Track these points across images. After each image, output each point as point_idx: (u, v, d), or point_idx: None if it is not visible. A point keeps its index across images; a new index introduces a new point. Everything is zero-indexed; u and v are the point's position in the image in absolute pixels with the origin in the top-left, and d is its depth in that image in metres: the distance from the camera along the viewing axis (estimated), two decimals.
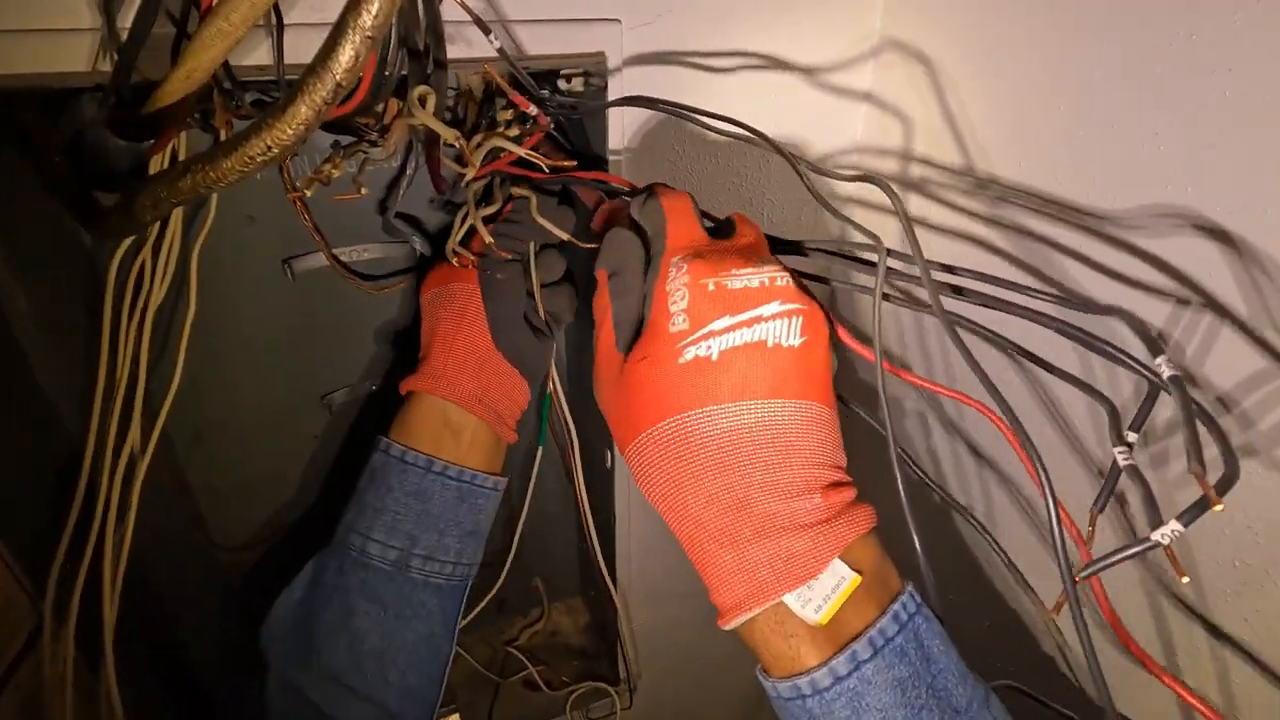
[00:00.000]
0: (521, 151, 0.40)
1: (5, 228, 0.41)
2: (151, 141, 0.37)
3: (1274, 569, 0.33)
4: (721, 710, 0.92)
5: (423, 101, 0.34)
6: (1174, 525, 0.24)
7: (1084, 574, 0.27)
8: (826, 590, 0.29)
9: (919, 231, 0.51)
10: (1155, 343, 0.27)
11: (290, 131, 0.26)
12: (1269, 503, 0.33)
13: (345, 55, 0.25)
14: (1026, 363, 0.35)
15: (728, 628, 0.31)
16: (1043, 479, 0.27)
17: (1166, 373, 0.26)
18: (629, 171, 0.50)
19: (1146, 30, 0.34)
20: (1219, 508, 0.23)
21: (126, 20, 0.34)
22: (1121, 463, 0.29)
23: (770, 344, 0.30)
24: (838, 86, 0.53)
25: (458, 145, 0.37)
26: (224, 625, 0.65)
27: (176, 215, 0.46)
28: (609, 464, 0.63)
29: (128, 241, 0.45)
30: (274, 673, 0.42)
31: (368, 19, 0.25)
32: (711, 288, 0.31)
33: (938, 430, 0.55)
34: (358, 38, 0.25)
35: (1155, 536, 0.25)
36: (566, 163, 0.42)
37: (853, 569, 0.29)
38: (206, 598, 0.63)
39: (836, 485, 0.31)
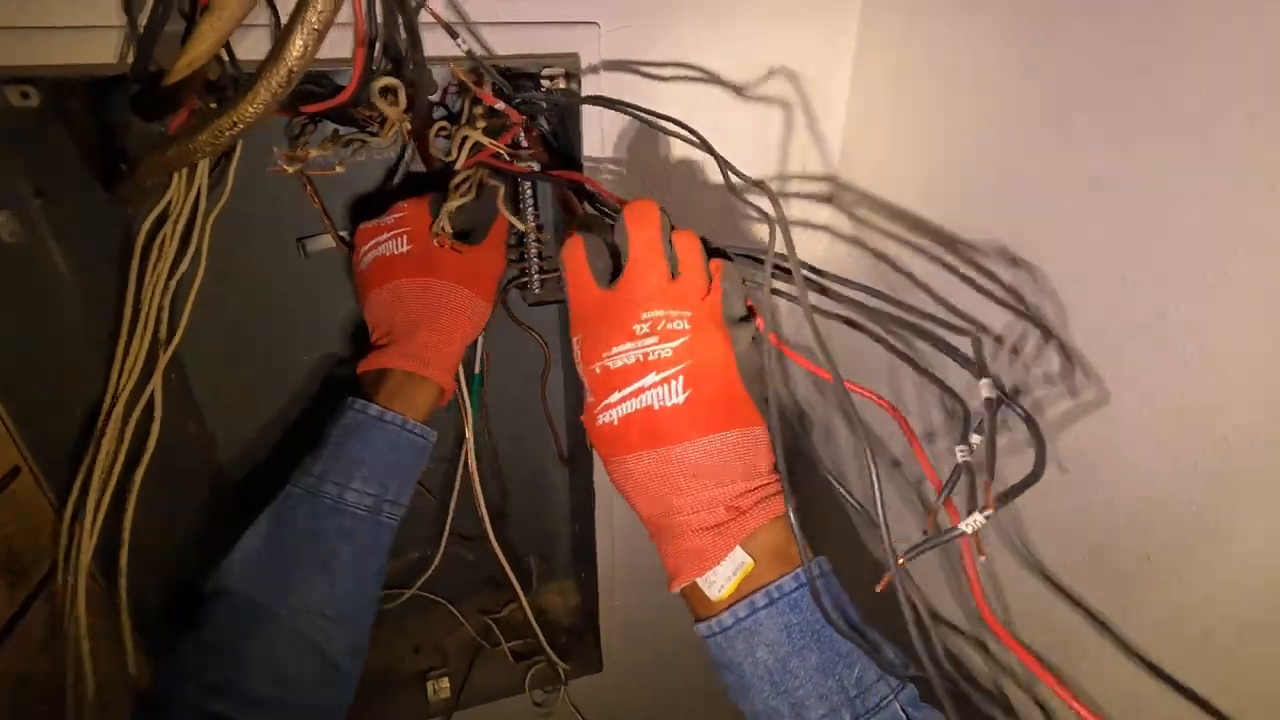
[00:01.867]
0: (488, 142, 0.44)
1: (52, 197, 0.47)
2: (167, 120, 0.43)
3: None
4: (701, 694, 0.93)
5: (387, 93, 0.38)
6: (976, 517, 0.29)
7: (906, 557, 0.32)
8: (728, 574, 0.37)
9: (846, 248, 0.54)
10: (984, 368, 0.32)
11: (251, 110, 0.31)
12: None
13: (296, 46, 0.30)
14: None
15: (672, 591, 0.40)
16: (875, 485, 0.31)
17: (984, 394, 0.31)
18: (607, 172, 0.54)
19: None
20: (989, 511, 0.29)
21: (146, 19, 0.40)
22: (960, 459, 0.32)
23: (656, 407, 0.36)
24: (807, 102, 0.56)
25: (401, 127, 0.41)
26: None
27: (202, 189, 0.53)
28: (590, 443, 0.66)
29: (155, 212, 0.52)
30: (239, 602, 0.46)
31: (314, 16, 0.29)
32: (598, 371, 0.37)
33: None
34: (306, 31, 0.30)
35: (961, 526, 0.30)
36: (527, 151, 0.45)
37: (752, 552, 0.37)
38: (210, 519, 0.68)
39: (746, 493, 0.37)
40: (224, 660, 0.44)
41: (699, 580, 0.37)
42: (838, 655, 0.35)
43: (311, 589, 0.47)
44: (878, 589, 0.32)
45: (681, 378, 0.36)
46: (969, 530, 0.29)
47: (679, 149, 0.55)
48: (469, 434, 0.65)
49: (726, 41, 0.52)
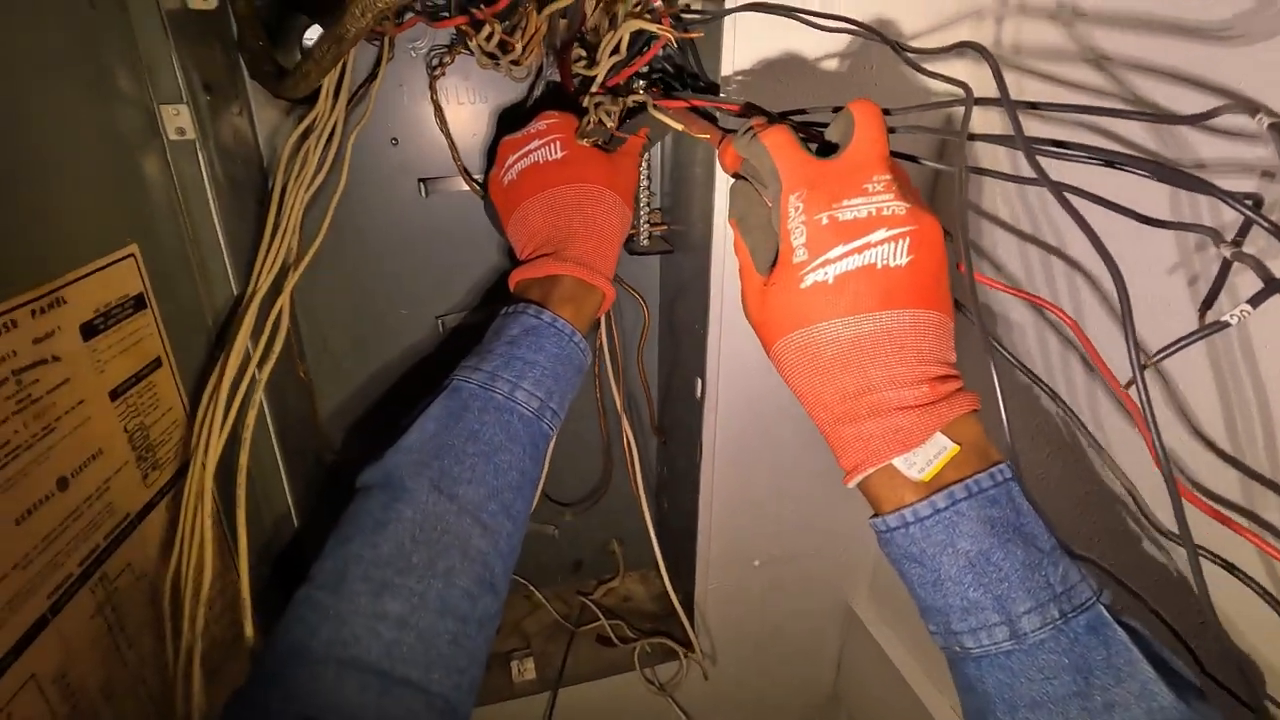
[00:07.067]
0: (658, 29, 0.46)
1: (218, 95, 0.49)
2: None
3: None
4: (792, 687, 0.88)
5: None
6: (1243, 306, 0.25)
7: (1157, 358, 0.28)
8: (929, 455, 0.35)
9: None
10: (1253, 106, 0.28)
11: None
12: None
13: None
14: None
15: (850, 485, 0.37)
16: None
17: (1266, 122, 0.27)
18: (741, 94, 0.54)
19: None
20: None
21: None
22: (1228, 255, 0.29)
23: (879, 266, 0.35)
24: None
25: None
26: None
27: (340, 115, 0.55)
28: (699, 394, 0.65)
29: (302, 126, 0.53)
30: (409, 493, 0.44)
31: None
32: (825, 221, 0.35)
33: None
34: None
35: (1225, 318, 0.25)
36: (694, 35, 0.47)
37: (953, 441, 0.35)
38: (314, 494, 0.67)
39: (943, 378, 0.36)
40: (392, 554, 0.42)
41: (897, 461, 0.35)
42: (1041, 553, 0.34)
43: (479, 483, 0.45)
44: (1124, 391, 0.29)
45: (909, 239, 0.34)
46: (1233, 321, 0.25)
47: (818, 67, 0.54)
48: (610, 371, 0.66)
49: None
